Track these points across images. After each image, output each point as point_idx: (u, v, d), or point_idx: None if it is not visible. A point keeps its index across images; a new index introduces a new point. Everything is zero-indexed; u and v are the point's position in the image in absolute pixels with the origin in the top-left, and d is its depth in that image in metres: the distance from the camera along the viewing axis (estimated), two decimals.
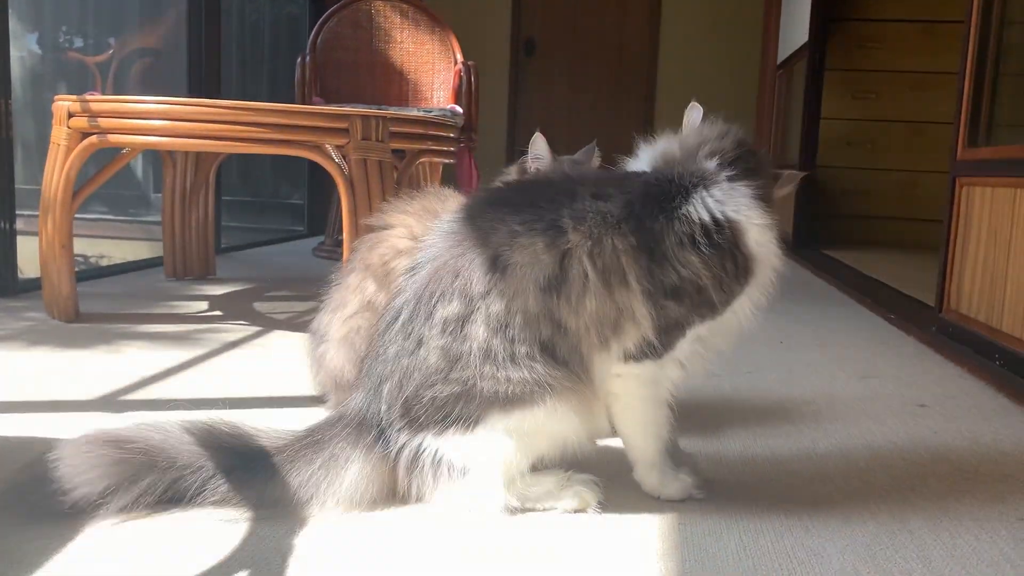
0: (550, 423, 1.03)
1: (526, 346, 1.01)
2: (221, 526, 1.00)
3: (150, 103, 1.92)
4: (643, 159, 1.18)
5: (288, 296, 2.61)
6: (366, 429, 1.07)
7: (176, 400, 1.48)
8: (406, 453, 1.05)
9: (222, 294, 2.56)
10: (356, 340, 1.38)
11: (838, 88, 4.68)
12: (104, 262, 3.40)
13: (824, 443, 1.41)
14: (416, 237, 1.44)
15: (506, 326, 1.01)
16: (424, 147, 2.15)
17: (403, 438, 1.05)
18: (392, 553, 0.97)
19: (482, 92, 3.73)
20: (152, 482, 1.01)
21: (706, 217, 1.06)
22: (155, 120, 1.91)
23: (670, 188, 1.08)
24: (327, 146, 1.96)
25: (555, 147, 1.47)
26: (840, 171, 4.75)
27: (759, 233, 1.09)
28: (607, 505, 1.09)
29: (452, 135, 2.27)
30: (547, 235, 1.03)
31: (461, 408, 1.02)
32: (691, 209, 1.06)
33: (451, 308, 1.02)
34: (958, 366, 1.98)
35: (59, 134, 2.02)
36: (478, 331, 1.01)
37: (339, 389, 1.42)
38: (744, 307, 1.13)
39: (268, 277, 2.95)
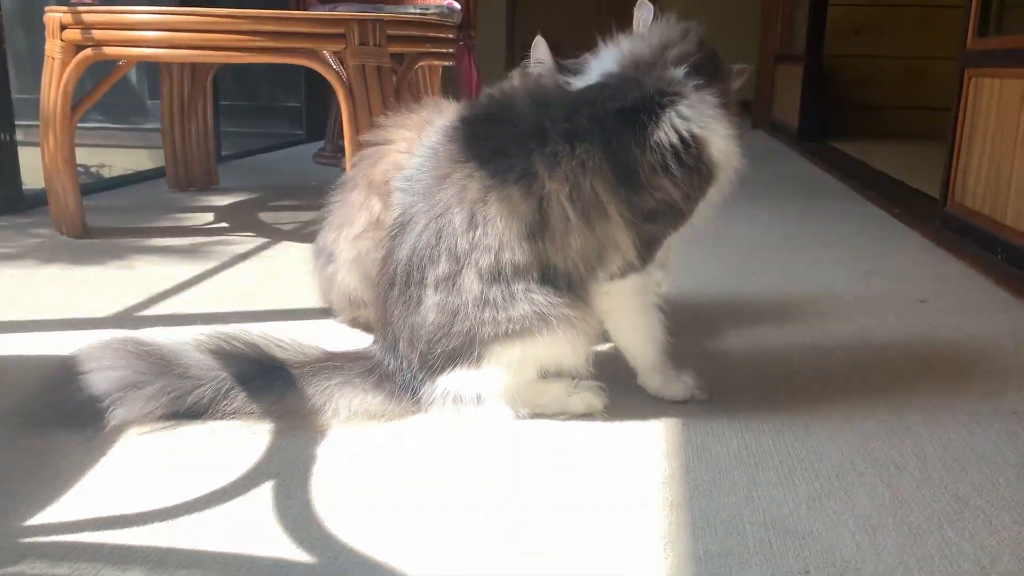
0: (552, 347, 1.05)
1: (522, 283, 1.03)
2: (243, 438, 1.04)
3: (143, 14, 1.88)
4: (609, 59, 1.16)
5: (292, 205, 2.61)
6: (388, 379, 1.11)
7: (190, 315, 1.52)
8: (426, 397, 1.09)
9: (227, 205, 2.57)
10: (366, 260, 1.40)
11: None
12: (104, 172, 3.39)
13: (825, 341, 1.44)
14: None
15: (498, 274, 1.03)
16: (423, 50, 2.11)
17: (425, 387, 1.09)
18: (407, 455, 1.01)
19: None
20: (174, 386, 1.05)
21: (675, 139, 1.06)
22: (149, 31, 1.87)
23: (641, 113, 1.07)
24: (324, 53, 1.93)
25: (555, 41, 1.44)
26: (848, 60, 4.66)
27: (723, 143, 1.09)
28: (613, 409, 1.13)
29: (451, 36, 2.22)
30: (521, 184, 1.03)
31: (468, 350, 1.05)
32: (662, 135, 1.05)
33: (441, 269, 1.04)
34: (960, 260, 2.00)
35: (52, 47, 1.99)
36: (472, 283, 1.03)
37: (353, 306, 1.45)
38: (704, 207, 1.14)
39: (271, 186, 2.95)
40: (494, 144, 1.06)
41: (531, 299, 1.03)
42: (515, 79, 1.49)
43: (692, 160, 1.07)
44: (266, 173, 3.29)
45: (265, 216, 2.42)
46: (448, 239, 1.04)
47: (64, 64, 1.98)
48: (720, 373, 1.29)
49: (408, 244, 1.07)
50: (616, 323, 1.14)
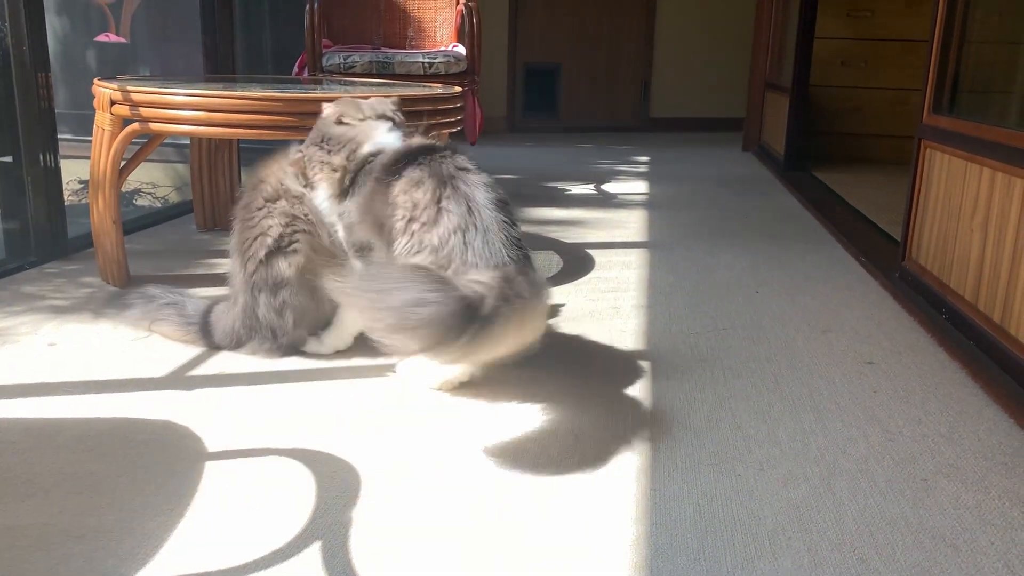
0: None
1: None
2: (292, 488, 1.29)
3: (185, 95, 2.12)
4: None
5: None
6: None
7: (234, 375, 1.76)
8: None
9: None
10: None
11: (833, 6, 4.77)
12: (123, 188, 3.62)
13: (779, 406, 1.69)
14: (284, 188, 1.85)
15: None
16: (434, 122, 2.35)
17: None
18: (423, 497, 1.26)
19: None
20: None
21: None
22: (190, 111, 2.11)
23: None
24: None
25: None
26: (833, 90, 4.89)
27: None
28: (596, 477, 1.38)
29: (459, 104, 2.46)
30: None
31: None
32: None
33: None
34: (912, 317, 2.24)
35: (103, 120, 2.23)
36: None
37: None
38: None
39: None
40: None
41: None
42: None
43: None
44: None
45: None
46: None
47: (113, 136, 2.22)
48: (686, 436, 1.54)
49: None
50: None
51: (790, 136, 4.67)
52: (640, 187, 4.29)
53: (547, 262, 2.73)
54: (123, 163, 2.27)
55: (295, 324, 1.82)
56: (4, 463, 1.39)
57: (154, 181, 4.20)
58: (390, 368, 1.79)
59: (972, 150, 2.08)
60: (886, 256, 2.77)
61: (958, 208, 2.15)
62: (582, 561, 1.17)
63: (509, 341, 1.49)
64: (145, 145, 2.34)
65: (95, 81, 2.30)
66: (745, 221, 3.44)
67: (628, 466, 1.43)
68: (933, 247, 2.31)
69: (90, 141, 2.30)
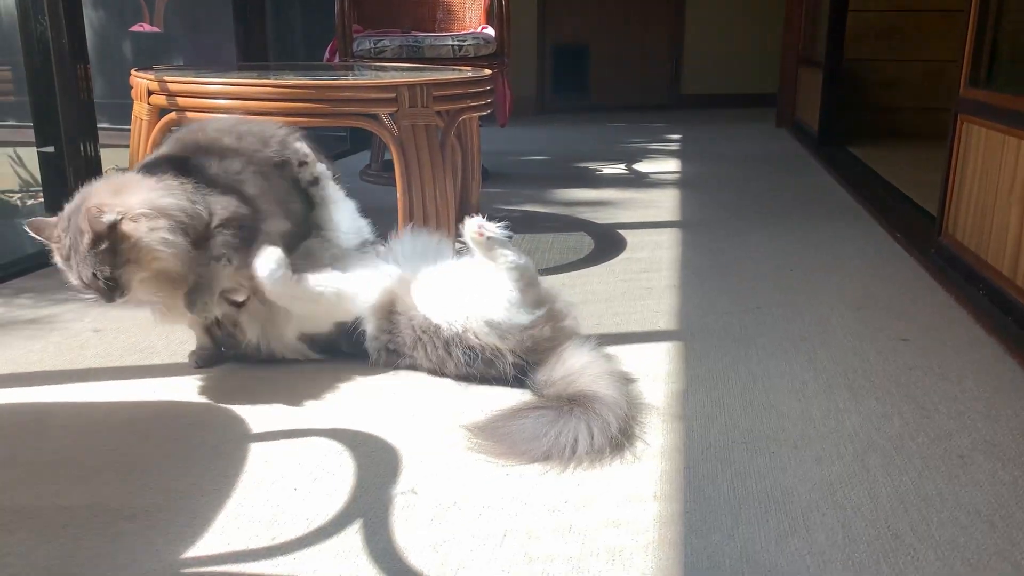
0: None
1: None
2: (328, 472, 1.33)
3: (220, 84, 2.15)
4: None
5: None
6: None
7: (272, 357, 1.80)
8: None
9: None
10: None
11: None
12: None
13: (812, 384, 1.69)
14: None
15: None
16: (464, 105, 2.36)
17: None
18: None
19: None
20: None
21: None
22: (226, 100, 2.14)
23: None
24: (380, 114, 2.19)
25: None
26: (868, 63, 4.82)
27: None
28: (626, 459, 1.40)
29: (489, 87, 2.47)
30: None
31: None
32: None
33: None
34: (948, 293, 2.22)
35: (140, 110, 2.27)
36: None
37: None
38: None
39: None
40: None
41: None
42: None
43: None
44: None
45: None
46: None
47: (151, 125, 2.26)
48: (719, 415, 1.55)
49: None
50: None
51: (824, 111, 4.61)
52: (672, 166, 4.27)
53: (578, 243, 2.74)
54: None
55: None
56: (57, 445, 1.44)
57: None
58: None
59: (1010, 123, 2.05)
60: (922, 232, 2.74)
61: (996, 182, 2.12)
62: (617, 538, 1.19)
63: None
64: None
65: (132, 72, 2.35)
66: (779, 199, 3.41)
67: (662, 445, 1.44)
68: (970, 222, 2.28)
69: (128, 129, 2.35)
